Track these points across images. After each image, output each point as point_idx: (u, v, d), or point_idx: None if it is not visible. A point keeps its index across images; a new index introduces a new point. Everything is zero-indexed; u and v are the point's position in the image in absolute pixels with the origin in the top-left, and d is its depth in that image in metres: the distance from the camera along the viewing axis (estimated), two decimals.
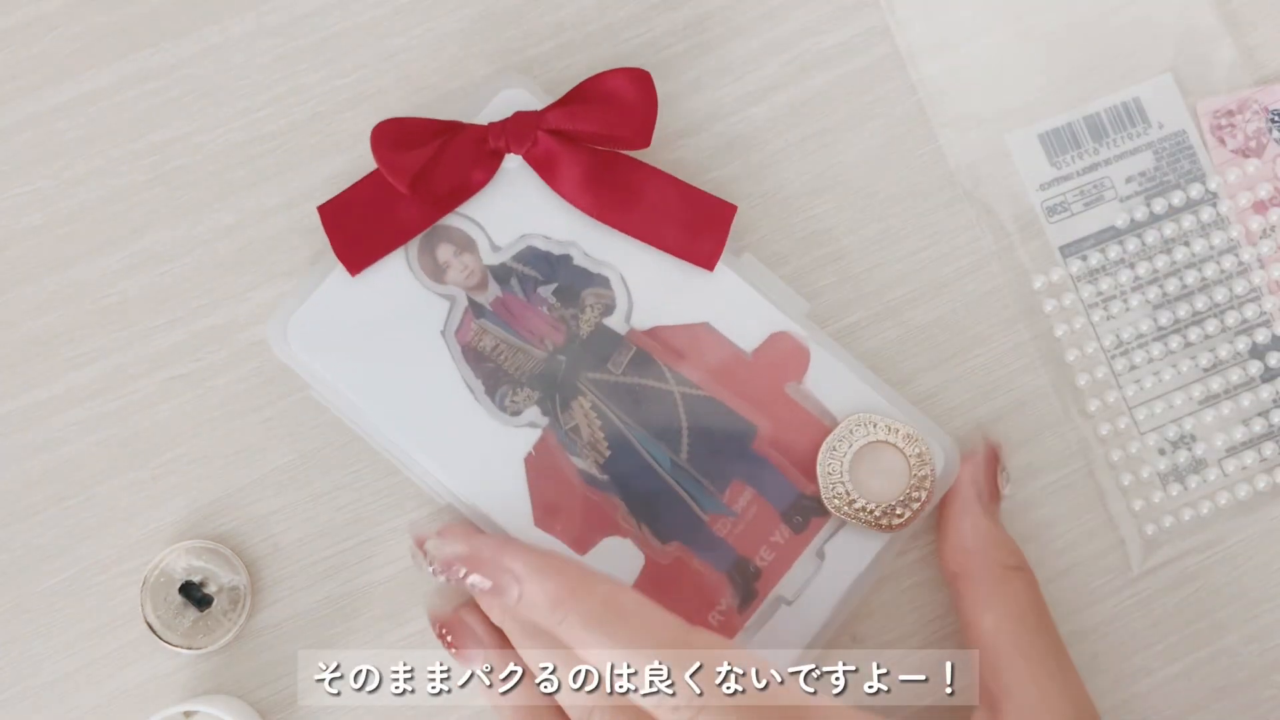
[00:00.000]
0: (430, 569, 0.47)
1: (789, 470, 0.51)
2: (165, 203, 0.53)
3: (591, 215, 0.51)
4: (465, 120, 0.52)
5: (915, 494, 0.51)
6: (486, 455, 0.51)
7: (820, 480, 0.51)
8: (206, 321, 0.53)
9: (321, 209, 0.51)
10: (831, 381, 0.52)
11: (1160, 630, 0.53)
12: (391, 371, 0.51)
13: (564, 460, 0.51)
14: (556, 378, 0.51)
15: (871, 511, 0.51)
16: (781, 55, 0.55)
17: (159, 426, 0.52)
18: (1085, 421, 0.54)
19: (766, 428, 0.52)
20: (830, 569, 0.51)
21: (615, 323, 0.52)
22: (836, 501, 0.51)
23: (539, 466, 0.51)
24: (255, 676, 0.52)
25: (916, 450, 0.51)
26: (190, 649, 0.51)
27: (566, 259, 0.52)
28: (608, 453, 0.51)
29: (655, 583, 0.51)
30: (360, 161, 0.53)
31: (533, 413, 0.51)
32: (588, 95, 0.51)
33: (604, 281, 0.52)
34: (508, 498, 0.51)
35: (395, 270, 0.52)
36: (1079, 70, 0.55)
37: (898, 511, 0.51)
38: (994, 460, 0.52)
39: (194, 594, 0.51)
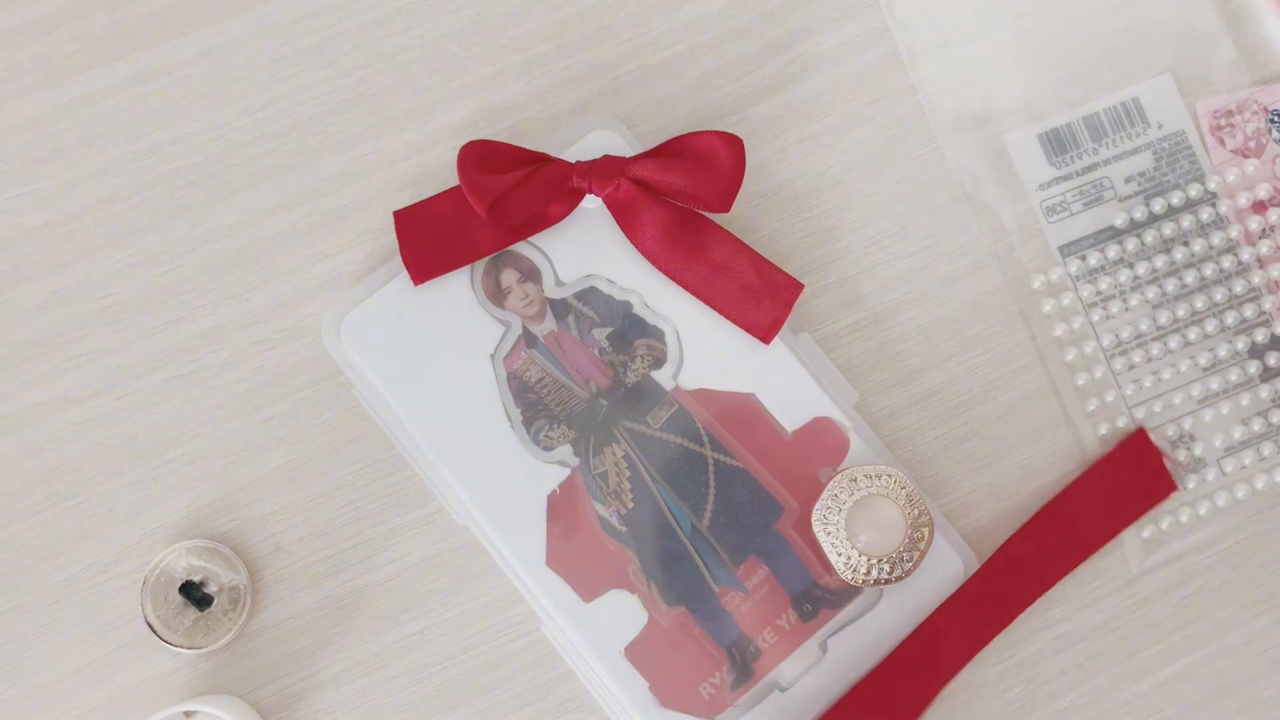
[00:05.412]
0: None
1: (807, 557, 0.51)
2: (165, 203, 0.53)
3: (660, 268, 0.51)
4: (552, 154, 0.52)
5: (916, 535, 0.50)
6: (512, 484, 0.51)
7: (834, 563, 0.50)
8: (206, 321, 0.53)
9: (397, 214, 0.52)
10: None
11: (1160, 630, 0.53)
12: (434, 384, 0.51)
13: (586, 504, 0.51)
14: (594, 421, 0.51)
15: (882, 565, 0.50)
16: (781, 55, 0.55)
17: (159, 426, 0.52)
18: (1085, 421, 0.53)
19: (793, 510, 0.51)
20: (831, 663, 0.50)
21: (662, 377, 0.52)
22: (849, 573, 0.50)
23: (561, 506, 0.51)
24: (255, 676, 0.52)
25: (904, 492, 0.50)
26: (190, 649, 0.51)
27: (626, 306, 0.52)
28: (631, 504, 0.51)
29: (654, 644, 0.50)
30: (360, 162, 0.53)
31: (565, 451, 0.51)
32: (678, 150, 0.51)
33: (659, 334, 0.52)
34: (524, 531, 0.51)
35: (457, 287, 0.52)
36: (1079, 70, 0.55)
37: (905, 557, 0.50)
38: None
39: (194, 594, 0.51)
